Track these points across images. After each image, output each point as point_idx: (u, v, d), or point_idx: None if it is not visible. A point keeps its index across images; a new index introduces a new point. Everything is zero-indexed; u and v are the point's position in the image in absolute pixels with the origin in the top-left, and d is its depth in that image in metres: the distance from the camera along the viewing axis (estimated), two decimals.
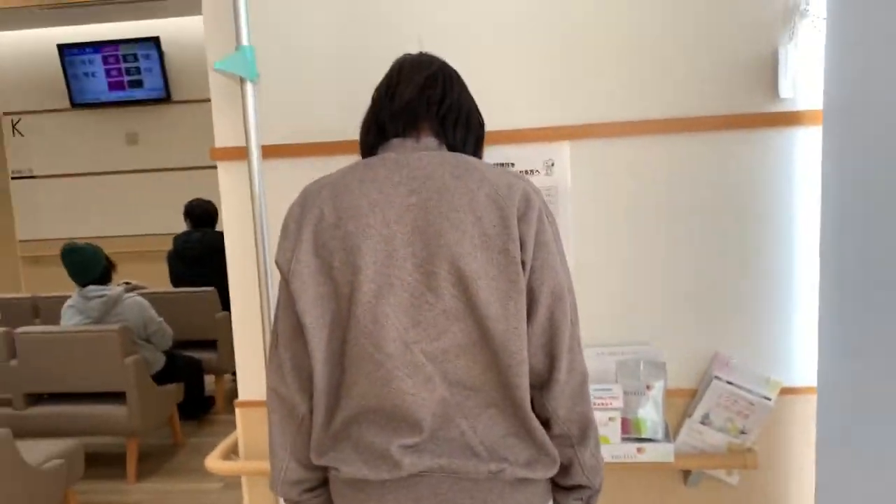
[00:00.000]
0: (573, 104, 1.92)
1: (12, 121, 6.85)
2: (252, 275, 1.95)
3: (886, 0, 1.37)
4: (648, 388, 1.88)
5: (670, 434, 1.91)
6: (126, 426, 3.91)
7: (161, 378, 4.22)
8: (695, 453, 1.91)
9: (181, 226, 5.34)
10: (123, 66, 6.62)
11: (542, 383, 1.26)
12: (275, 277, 1.50)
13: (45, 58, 6.63)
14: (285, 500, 1.38)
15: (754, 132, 1.88)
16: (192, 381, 4.68)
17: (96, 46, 6.56)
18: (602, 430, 1.81)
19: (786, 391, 1.90)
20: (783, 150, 1.88)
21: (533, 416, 1.24)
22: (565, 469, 1.29)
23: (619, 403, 1.84)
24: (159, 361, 4.29)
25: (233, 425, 2.16)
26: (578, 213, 1.95)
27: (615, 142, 1.92)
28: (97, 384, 3.90)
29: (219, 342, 4.94)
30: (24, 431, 3.60)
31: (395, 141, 1.31)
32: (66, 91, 6.69)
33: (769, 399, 1.87)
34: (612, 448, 1.84)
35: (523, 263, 1.20)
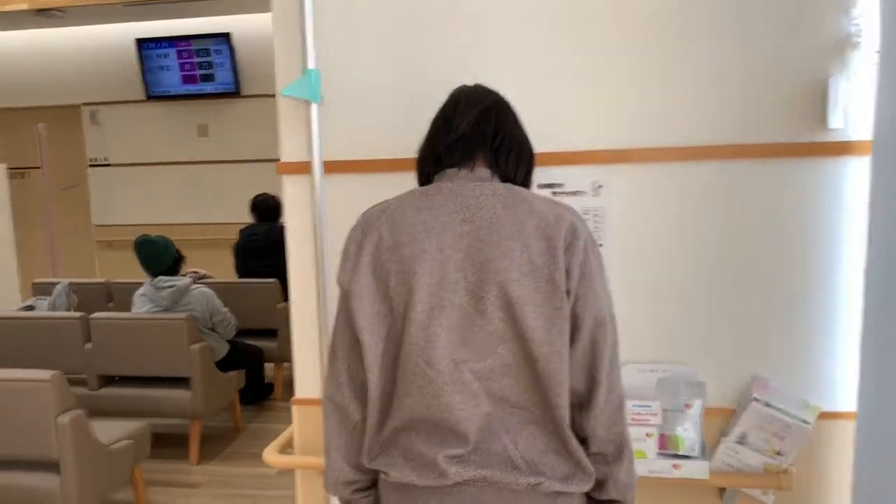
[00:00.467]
0: (622, 128, 1.96)
1: (91, 111, 7.11)
2: (310, 278, 2.06)
3: None
4: (687, 406, 1.91)
5: (707, 452, 1.94)
6: (190, 410, 4.08)
7: (224, 365, 4.36)
8: (730, 472, 1.93)
9: (246, 215, 5.50)
10: (196, 60, 6.79)
11: (581, 403, 1.33)
12: (331, 283, 1.60)
13: (123, 51, 6.83)
14: (338, 499, 1.48)
15: (803, 160, 1.90)
16: (252, 369, 4.82)
17: (171, 41, 6.75)
18: (639, 445, 1.86)
19: (825, 415, 1.92)
20: (831, 179, 1.90)
21: (571, 434, 1.31)
22: (600, 484, 1.35)
23: (657, 420, 1.89)
24: (223, 349, 4.43)
25: (290, 412, 2.25)
26: (623, 234, 1.99)
27: (663, 166, 1.95)
28: (164, 369, 4.08)
29: (279, 331, 5.07)
30: (97, 410, 3.79)
31: (451, 171, 1.37)
32: (141, 83, 6.89)
33: (808, 423, 1.87)
34: (648, 463, 1.87)
35: (568, 292, 1.27)
